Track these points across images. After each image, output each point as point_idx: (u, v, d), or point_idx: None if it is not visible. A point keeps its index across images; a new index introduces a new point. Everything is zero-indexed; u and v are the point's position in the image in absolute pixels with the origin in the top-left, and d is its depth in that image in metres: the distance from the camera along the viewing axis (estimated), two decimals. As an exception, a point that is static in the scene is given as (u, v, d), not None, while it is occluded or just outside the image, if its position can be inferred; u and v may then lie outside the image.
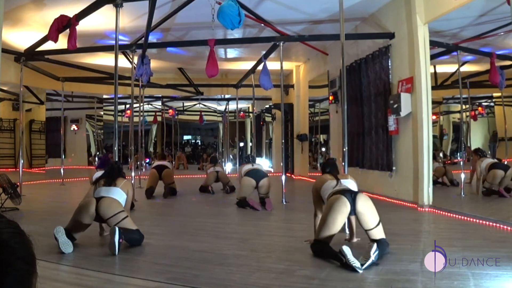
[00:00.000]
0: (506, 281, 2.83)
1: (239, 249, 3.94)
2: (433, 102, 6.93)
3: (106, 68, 10.66)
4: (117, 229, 3.63)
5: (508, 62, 8.08)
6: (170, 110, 17.25)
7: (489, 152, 10.05)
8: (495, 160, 7.29)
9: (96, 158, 15.42)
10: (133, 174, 7.98)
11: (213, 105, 18.44)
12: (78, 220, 3.93)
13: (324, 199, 3.80)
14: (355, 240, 4.06)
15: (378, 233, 3.48)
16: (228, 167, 15.96)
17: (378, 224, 3.49)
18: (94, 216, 3.96)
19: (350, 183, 3.90)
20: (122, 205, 4.09)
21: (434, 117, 9.18)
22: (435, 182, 7.16)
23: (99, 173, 5.83)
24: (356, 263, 3.07)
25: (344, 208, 3.44)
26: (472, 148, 9.79)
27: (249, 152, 19.62)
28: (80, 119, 15.72)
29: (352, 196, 3.50)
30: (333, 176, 3.96)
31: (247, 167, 6.97)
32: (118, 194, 4.13)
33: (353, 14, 7.57)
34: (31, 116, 13.36)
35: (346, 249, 3.14)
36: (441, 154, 11.15)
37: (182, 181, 10.58)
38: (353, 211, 3.47)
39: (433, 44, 6.53)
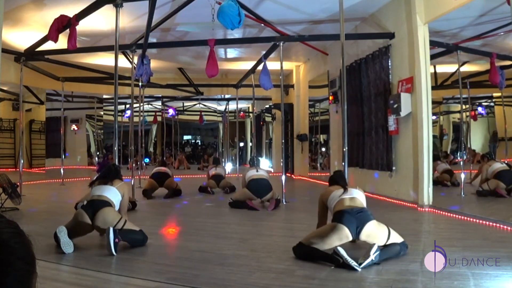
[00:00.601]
0: (506, 281, 2.83)
1: (239, 249, 3.94)
2: (433, 102, 6.92)
3: (106, 68, 10.67)
4: (111, 229, 3.62)
5: (508, 62, 8.08)
6: (170, 110, 17.26)
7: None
8: (504, 167, 7.09)
9: (96, 159, 15.44)
10: (133, 174, 7.98)
11: (213, 105, 18.45)
12: (76, 229, 3.91)
13: (331, 209, 3.71)
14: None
15: (391, 242, 3.44)
16: (228, 167, 15.96)
17: (388, 239, 3.41)
18: (91, 229, 3.94)
19: (358, 193, 3.76)
20: (116, 212, 4.04)
21: (434, 117, 9.18)
22: (435, 182, 7.15)
23: None
24: (353, 262, 3.07)
25: (345, 238, 3.36)
26: (473, 149, 9.78)
27: (249, 152, 19.63)
28: (80, 119, 15.73)
29: (357, 229, 3.34)
30: (340, 186, 3.85)
31: (251, 174, 6.64)
32: (113, 194, 4.12)
33: (353, 14, 7.57)
34: (31, 116, 13.37)
35: (341, 250, 3.13)
36: (440, 154, 11.15)
37: (182, 181, 10.58)
38: (356, 237, 3.39)
39: (433, 44, 6.53)
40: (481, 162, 8.09)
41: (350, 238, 3.36)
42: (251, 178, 6.54)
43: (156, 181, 8.03)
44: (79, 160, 15.55)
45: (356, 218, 3.40)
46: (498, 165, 7.14)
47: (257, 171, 6.70)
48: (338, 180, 3.98)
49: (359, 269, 3.04)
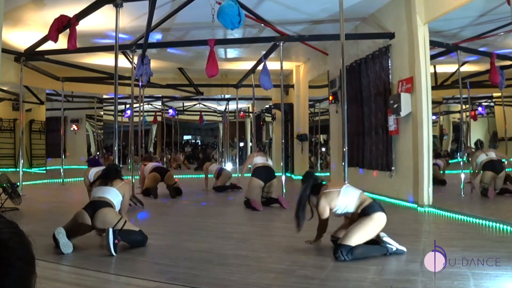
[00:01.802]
0: (506, 281, 2.83)
1: (239, 249, 3.94)
2: (433, 102, 6.92)
3: (106, 68, 10.66)
4: (110, 230, 3.62)
5: (508, 62, 8.07)
6: (170, 110, 17.27)
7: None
8: (491, 157, 7.12)
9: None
10: (133, 174, 7.98)
11: (213, 105, 18.44)
12: (75, 229, 3.91)
13: (349, 208, 3.68)
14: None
15: None
16: (228, 167, 15.96)
17: None
18: (91, 229, 3.95)
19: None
20: (116, 213, 4.04)
21: (434, 117, 9.17)
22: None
23: (93, 170, 5.84)
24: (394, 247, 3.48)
25: (384, 224, 3.58)
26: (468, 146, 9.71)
27: (249, 152, 19.60)
28: (80, 119, 15.72)
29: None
30: (336, 184, 3.88)
31: (259, 161, 6.78)
32: (114, 195, 4.12)
33: (353, 14, 7.56)
34: (31, 116, 13.36)
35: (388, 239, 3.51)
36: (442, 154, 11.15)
37: (184, 181, 10.56)
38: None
39: (433, 44, 6.52)
40: (470, 153, 7.94)
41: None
42: (258, 165, 6.69)
43: (158, 173, 8.21)
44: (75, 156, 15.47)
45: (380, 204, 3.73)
46: (483, 157, 7.18)
47: (267, 159, 6.93)
48: (319, 179, 3.94)
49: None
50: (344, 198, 3.68)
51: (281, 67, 7.31)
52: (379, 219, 3.51)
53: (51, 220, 5.37)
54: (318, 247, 3.92)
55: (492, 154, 7.22)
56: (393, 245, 3.49)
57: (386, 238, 3.52)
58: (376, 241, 3.53)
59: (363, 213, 3.57)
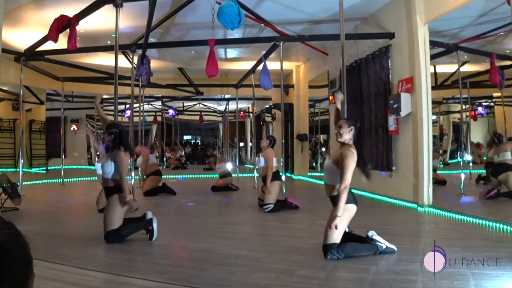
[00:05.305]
0: (506, 281, 2.83)
1: (239, 249, 3.94)
2: (433, 102, 6.90)
3: (106, 68, 10.66)
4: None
5: (508, 62, 8.06)
6: (170, 110, 17.28)
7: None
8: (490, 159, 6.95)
9: (97, 158, 15.45)
10: (133, 174, 7.98)
11: (213, 105, 18.44)
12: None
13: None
14: None
15: None
16: (228, 166, 15.94)
17: None
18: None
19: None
20: (117, 222, 4.08)
21: (434, 117, 9.15)
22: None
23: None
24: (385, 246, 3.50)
25: (353, 214, 3.68)
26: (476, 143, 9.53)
27: (249, 152, 19.57)
28: (80, 119, 15.72)
29: None
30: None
31: (276, 163, 6.45)
32: (109, 166, 4.15)
33: (353, 14, 7.56)
34: (31, 116, 13.36)
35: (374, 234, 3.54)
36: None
37: (182, 182, 10.57)
38: None
39: (433, 44, 6.52)
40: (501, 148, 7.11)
41: None
42: (277, 169, 6.51)
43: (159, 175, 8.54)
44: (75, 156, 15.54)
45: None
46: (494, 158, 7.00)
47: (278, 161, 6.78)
48: None
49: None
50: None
51: (281, 67, 7.31)
52: (351, 209, 3.52)
53: (51, 220, 5.38)
54: (318, 247, 3.91)
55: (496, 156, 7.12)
56: (383, 243, 3.49)
57: (376, 236, 3.53)
58: (365, 240, 3.54)
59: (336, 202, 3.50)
